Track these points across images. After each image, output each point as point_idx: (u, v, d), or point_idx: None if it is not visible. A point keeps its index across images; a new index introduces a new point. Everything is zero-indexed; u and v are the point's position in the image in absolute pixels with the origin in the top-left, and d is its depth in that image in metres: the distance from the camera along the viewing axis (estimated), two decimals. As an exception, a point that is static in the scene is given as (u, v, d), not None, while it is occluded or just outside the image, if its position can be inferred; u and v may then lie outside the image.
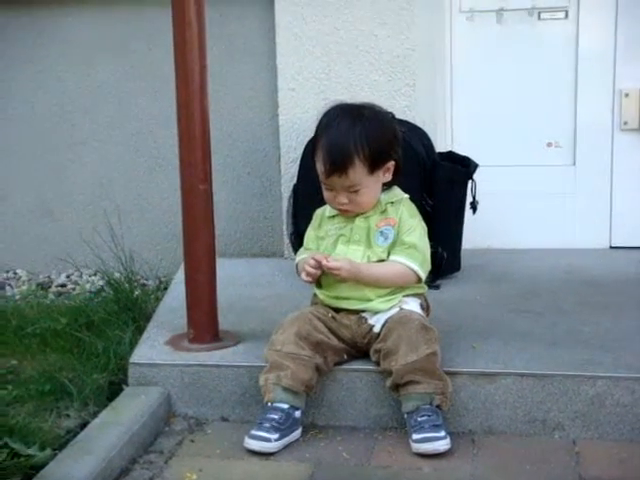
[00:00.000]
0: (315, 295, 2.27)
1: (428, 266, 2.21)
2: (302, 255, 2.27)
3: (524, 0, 3.09)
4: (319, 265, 2.11)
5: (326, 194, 2.19)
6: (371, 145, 2.12)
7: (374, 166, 2.14)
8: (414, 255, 2.17)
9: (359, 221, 2.20)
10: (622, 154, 3.13)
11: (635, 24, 3.05)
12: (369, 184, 2.15)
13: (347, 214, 2.20)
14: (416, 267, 2.16)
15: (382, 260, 2.18)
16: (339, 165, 2.10)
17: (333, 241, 2.22)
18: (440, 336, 2.12)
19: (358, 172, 2.11)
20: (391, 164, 2.17)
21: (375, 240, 2.19)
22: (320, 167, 2.15)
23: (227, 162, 3.04)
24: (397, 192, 2.24)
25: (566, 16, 3.09)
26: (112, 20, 3.19)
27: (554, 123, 3.16)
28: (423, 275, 2.19)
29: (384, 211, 2.20)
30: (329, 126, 2.16)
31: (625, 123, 3.11)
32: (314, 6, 2.95)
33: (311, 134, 2.80)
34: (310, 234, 2.30)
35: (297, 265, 2.28)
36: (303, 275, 2.16)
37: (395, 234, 2.18)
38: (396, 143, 2.20)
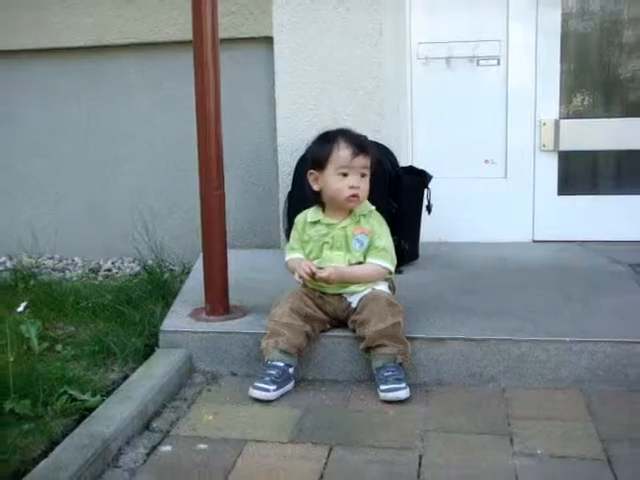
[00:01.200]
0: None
1: (395, 261, 2.22)
2: (291, 255, 2.25)
3: (466, 50, 3.08)
4: (312, 275, 2.11)
5: (339, 184, 2.13)
6: (372, 148, 2.19)
7: (371, 163, 2.17)
8: (385, 256, 2.18)
9: (338, 230, 2.19)
10: (541, 169, 3.13)
11: (550, 70, 3.05)
12: (368, 174, 2.17)
13: (353, 202, 2.15)
14: (388, 265, 2.18)
15: (360, 262, 2.18)
16: (363, 147, 2.14)
17: (319, 246, 2.20)
18: (403, 309, 2.13)
19: (370, 157, 2.15)
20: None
21: (352, 246, 2.17)
22: (344, 154, 2.12)
23: (236, 174, 3.03)
24: (367, 204, 2.22)
25: (498, 63, 3.09)
26: (147, 62, 3.17)
27: (490, 145, 3.16)
28: (392, 269, 2.21)
29: (358, 222, 2.19)
30: (340, 131, 2.17)
31: (544, 145, 3.11)
32: (305, 52, 2.95)
33: (302, 152, 2.83)
34: (295, 236, 2.27)
35: (287, 263, 2.25)
36: (296, 277, 2.15)
37: (369, 240, 2.17)
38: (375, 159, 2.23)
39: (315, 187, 2.19)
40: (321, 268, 2.14)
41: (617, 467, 1.67)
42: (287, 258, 2.27)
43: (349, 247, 2.17)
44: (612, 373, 2.05)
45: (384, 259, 2.17)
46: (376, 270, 2.18)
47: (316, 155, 2.18)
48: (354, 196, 2.14)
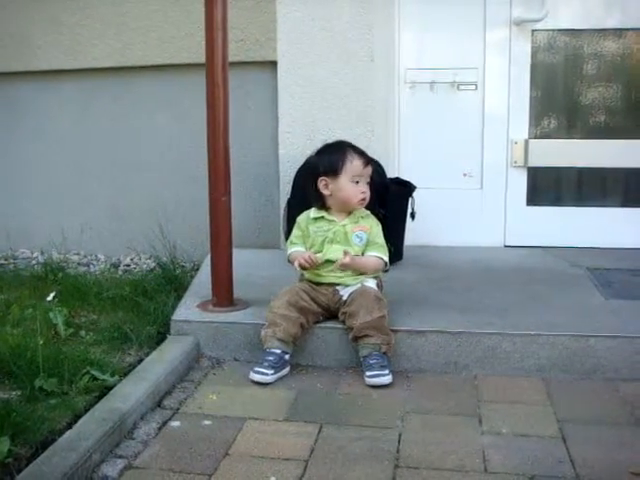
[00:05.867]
0: (302, 275, 2.29)
1: (388, 258, 2.26)
2: (292, 248, 2.28)
3: (448, 76, 3.09)
4: (313, 263, 2.15)
5: (352, 190, 2.19)
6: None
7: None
8: (384, 251, 2.23)
9: (339, 227, 2.22)
10: (513, 182, 3.14)
11: (521, 96, 3.07)
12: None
13: (362, 205, 2.22)
14: (386, 258, 2.23)
15: (357, 255, 2.21)
16: (369, 158, 2.21)
17: (321, 241, 2.23)
18: (388, 304, 2.15)
19: (372, 168, 2.23)
20: None
21: (352, 240, 2.21)
22: (357, 164, 2.18)
23: (242, 182, 3.04)
24: (363, 209, 2.27)
25: (476, 88, 3.09)
26: (165, 82, 3.18)
27: (468, 160, 3.16)
28: (388, 263, 2.25)
29: (357, 221, 2.23)
30: (348, 146, 2.22)
31: (515, 162, 3.12)
32: (304, 75, 2.96)
33: (300, 164, 2.85)
34: (296, 233, 2.30)
35: (289, 255, 2.28)
36: (296, 264, 2.18)
37: (367, 237, 2.22)
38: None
39: (326, 192, 2.21)
40: (331, 261, 2.18)
41: (570, 444, 1.70)
42: (289, 252, 2.29)
43: (348, 241, 2.21)
44: (570, 363, 2.07)
45: (383, 253, 2.23)
46: (377, 262, 2.22)
47: (329, 164, 2.21)
48: (363, 199, 2.20)
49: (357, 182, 2.18)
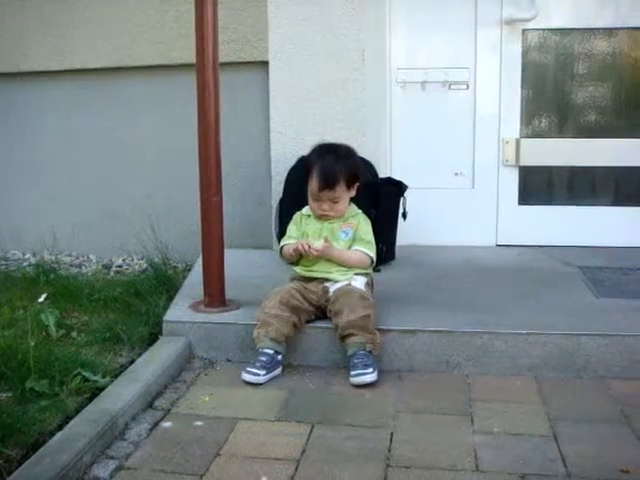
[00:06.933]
0: (294, 272, 2.30)
1: (375, 255, 2.27)
2: (287, 241, 2.31)
3: (439, 76, 3.10)
4: (308, 248, 2.16)
5: (313, 204, 2.24)
6: (350, 171, 2.20)
7: (349, 185, 2.21)
8: (370, 247, 2.25)
9: (327, 224, 2.25)
10: (504, 181, 3.15)
11: (512, 95, 3.07)
12: (345, 196, 2.23)
13: (326, 218, 2.24)
14: (371, 254, 2.25)
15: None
16: (330, 183, 2.17)
17: (310, 237, 2.25)
18: (375, 303, 2.16)
19: (340, 188, 2.19)
20: (356, 185, 2.25)
21: (339, 236, 2.24)
22: (314, 184, 2.20)
23: (233, 182, 3.04)
24: (354, 207, 2.31)
25: (467, 88, 3.10)
26: (155, 82, 3.18)
27: (460, 159, 3.17)
28: (374, 259, 2.27)
29: (345, 220, 2.26)
30: (322, 157, 2.22)
31: (506, 161, 3.12)
32: (296, 75, 2.95)
33: (292, 164, 2.85)
34: (292, 228, 2.34)
35: (282, 248, 2.31)
36: (291, 250, 2.20)
37: (354, 233, 2.25)
38: (360, 172, 2.27)
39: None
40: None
41: (561, 442, 1.71)
42: (282, 243, 2.32)
43: (335, 238, 2.23)
44: (561, 361, 2.08)
45: (369, 249, 2.25)
46: (360, 257, 2.24)
47: (305, 170, 2.26)
48: (325, 215, 2.23)
49: (317, 200, 2.21)
